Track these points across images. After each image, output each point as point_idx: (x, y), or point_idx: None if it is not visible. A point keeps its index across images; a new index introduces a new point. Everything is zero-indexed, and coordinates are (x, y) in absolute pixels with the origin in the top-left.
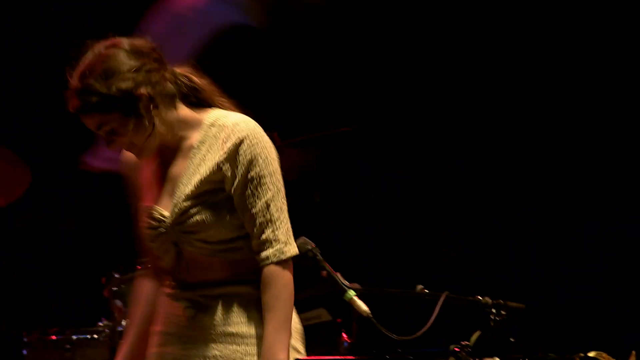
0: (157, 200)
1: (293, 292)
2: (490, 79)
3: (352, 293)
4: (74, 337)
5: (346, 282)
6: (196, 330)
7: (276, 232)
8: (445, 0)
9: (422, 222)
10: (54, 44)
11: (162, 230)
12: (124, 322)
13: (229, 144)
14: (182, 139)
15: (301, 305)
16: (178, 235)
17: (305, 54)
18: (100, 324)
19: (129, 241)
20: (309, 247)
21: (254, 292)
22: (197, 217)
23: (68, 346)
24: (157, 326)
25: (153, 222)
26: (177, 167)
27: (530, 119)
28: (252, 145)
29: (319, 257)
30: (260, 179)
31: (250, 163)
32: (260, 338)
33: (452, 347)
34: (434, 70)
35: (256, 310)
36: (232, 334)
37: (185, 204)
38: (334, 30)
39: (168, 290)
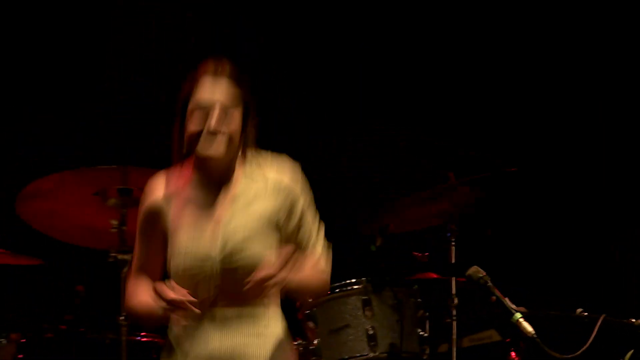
0: (200, 236)
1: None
2: None
3: (518, 315)
4: None
5: (513, 306)
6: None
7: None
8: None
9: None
10: None
11: (208, 267)
12: (315, 342)
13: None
14: (231, 171)
15: (474, 326)
16: (223, 271)
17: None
18: (295, 342)
19: None
20: (481, 275)
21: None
22: (246, 253)
23: None
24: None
25: (200, 263)
26: (221, 205)
27: None
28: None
29: (489, 283)
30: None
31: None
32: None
33: None
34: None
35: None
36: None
37: (237, 236)
38: (510, 75)
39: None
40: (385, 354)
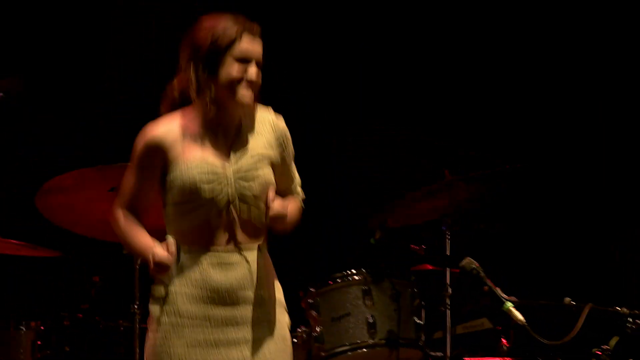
0: (213, 157)
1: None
2: None
3: (509, 304)
4: None
5: (504, 295)
6: (237, 292)
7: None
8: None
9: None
10: None
11: (223, 181)
12: (318, 329)
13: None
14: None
15: (466, 314)
16: (236, 186)
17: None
18: (299, 330)
19: (321, 259)
20: (474, 266)
21: (267, 256)
22: (258, 172)
23: None
24: (195, 289)
25: (216, 177)
26: (228, 140)
27: None
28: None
29: (482, 274)
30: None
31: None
32: (273, 302)
33: (594, 350)
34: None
35: (272, 276)
36: (262, 297)
37: (250, 165)
38: (511, 74)
39: (205, 255)
40: (383, 341)
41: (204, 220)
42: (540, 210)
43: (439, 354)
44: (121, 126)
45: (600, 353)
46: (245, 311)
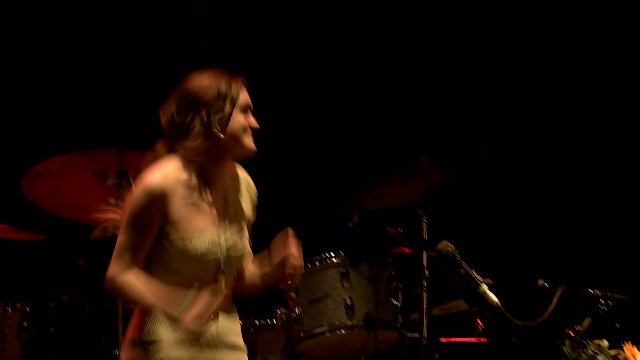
0: (213, 225)
1: None
2: None
3: (484, 287)
4: (257, 322)
5: (480, 278)
6: (216, 339)
7: None
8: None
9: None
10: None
11: (219, 252)
12: (297, 310)
13: (252, 189)
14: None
15: (442, 296)
16: (227, 255)
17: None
18: (278, 311)
19: (301, 243)
20: (450, 249)
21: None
22: (242, 247)
23: (252, 329)
24: (182, 333)
25: (213, 248)
26: (220, 197)
27: None
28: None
29: (458, 257)
30: None
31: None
32: (245, 350)
33: (567, 330)
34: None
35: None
36: (239, 344)
37: (238, 234)
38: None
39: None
40: (361, 322)
41: (192, 277)
42: (540, 209)
43: (416, 335)
44: (121, 126)
45: (573, 334)
46: (228, 356)
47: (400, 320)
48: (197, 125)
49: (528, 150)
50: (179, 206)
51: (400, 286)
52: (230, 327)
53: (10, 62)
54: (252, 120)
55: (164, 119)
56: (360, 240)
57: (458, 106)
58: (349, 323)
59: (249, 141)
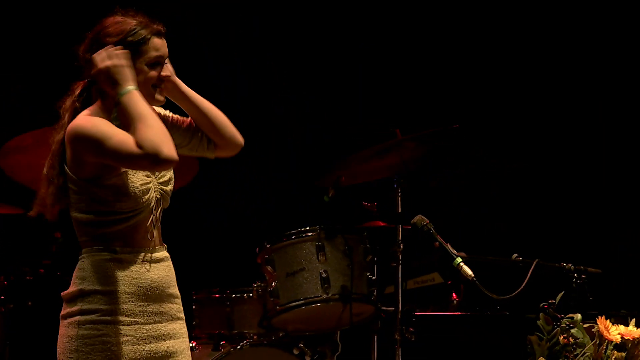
0: None
1: None
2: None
3: (459, 260)
4: (233, 295)
5: (454, 251)
6: (160, 290)
7: None
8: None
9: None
10: None
11: (150, 185)
12: (273, 284)
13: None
14: None
15: (418, 270)
16: (160, 191)
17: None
18: (255, 284)
19: (277, 217)
20: (425, 223)
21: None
22: (170, 173)
23: (228, 302)
24: (132, 287)
25: (148, 179)
26: None
27: None
28: None
29: (433, 230)
30: None
31: None
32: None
33: (541, 304)
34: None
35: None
36: (177, 294)
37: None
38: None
39: (136, 255)
40: (337, 295)
41: (134, 224)
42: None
43: (391, 308)
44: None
45: (547, 307)
46: (170, 308)
47: (376, 294)
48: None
49: (528, 150)
50: None
51: (376, 259)
52: (171, 277)
53: (10, 62)
54: (158, 73)
55: (77, 52)
56: (335, 214)
57: (456, 107)
58: (324, 296)
59: (153, 95)
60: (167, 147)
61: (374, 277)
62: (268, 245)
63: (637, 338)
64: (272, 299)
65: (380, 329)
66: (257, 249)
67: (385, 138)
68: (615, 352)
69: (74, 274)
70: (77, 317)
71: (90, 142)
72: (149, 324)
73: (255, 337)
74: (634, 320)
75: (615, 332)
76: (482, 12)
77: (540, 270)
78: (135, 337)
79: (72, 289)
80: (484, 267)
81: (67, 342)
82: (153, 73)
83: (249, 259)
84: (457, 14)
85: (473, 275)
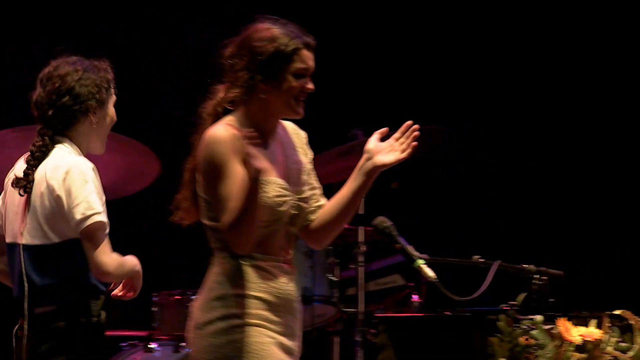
0: (280, 177)
1: None
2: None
3: (420, 262)
4: (193, 297)
5: (416, 253)
6: (290, 303)
7: None
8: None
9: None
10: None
11: (289, 199)
12: None
13: (301, 134)
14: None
15: (379, 271)
16: (296, 206)
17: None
18: None
19: None
20: (386, 224)
21: None
22: (308, 192)
23: (188, 304)
24: (269, 295)
25: (284, 192)
26: (279, 152)
27: None
28: None
29: (394, 232)
30: None
31: None
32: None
33: (502, 306)
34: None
35: None
36: (298, 311)
37: (302, 178)
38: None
39: (273, 264)
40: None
41: (268, 234)
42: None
43: (352, 310)
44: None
45: (508, 308)
46: (295, 324)
47: (337, 295)
48: (244, 77)
49: (528, 150)
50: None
51: (337, 261)
52: (296, 292)
53: (10, 62)
54: (305, 85)
55: (223, 55)
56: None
57: (456, 106)
58: None
59: (294, 107)
60: (243, 248)
61: (335, 279)
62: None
63: (598, 339)
64: None
65: (341, 330)
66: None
67: (348, 139)
68: (576, 353)
69: (206, 280)
70: (221, 324)
71: (208, 166)
72: (280, 335)
73: None
74: (594, 321)
75: (576, 333)
76: (483, 12)
77: (502, 272)
78: (277, 342)
79: (209, 295)
80: (447, 269)
81: (214, 351)
82: (297, 84)
83: (208, 261)
84: (457, 13)
85: (435, 277)
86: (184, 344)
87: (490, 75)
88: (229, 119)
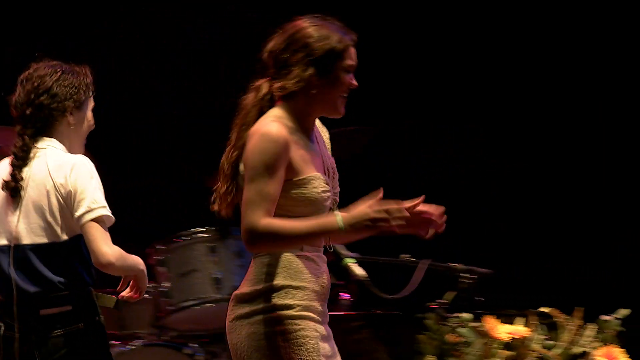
0: (321, 172)
1: None
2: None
3: (349, 260)
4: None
5: (346, 252)
6: (327, 291)
7: None
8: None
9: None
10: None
11: (330, 195)
12: (164, 284)
13: (325, 131)
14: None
15: None
16: (332, 200)
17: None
18: (148, 285)
19: (168, 220)
20: None
21: None
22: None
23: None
24: (316, 286)
25: (327, 187)
26: (315, 148)
27: None
28: None
29: None
30: None
31: None
32: None
33: (428, 304)
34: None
35: None
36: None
37: (336, 175)
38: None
39: (317, 254)
40: (228, 296)
41: None
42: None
43: None
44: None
45: (436, 306)
46: (326, 310)
47: None
48: (297, 71)
49: (528, 150)
50: (295, 153)
51: None
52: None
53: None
54: (352, 81)
55: (267, 49)
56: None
57: (456, 107)
58: (217, 296)
59: (340, 104)
60: (254, 250)
61: None
62: (160, 247)
63: (525, 337)
64: (164, 299)
65: None
66: (149, 249)
67: None
68: (503, 350)
69: (251, 271)
70: (269, 315)
71: (256, 161)
72: (322, 324)
73: (147, 337)
74: (522, 319)
75: (503, 331)
76: (483, 12)
77: (430, 270)
78: (321, 334)
79: (254, 286)
80: (377, 267)
81: (260, 341)
82: (347, 79)
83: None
84: (457, 13)
85: (364, 275)
86: (115, 342)
87: (490, 75)
88: (278, 113)
